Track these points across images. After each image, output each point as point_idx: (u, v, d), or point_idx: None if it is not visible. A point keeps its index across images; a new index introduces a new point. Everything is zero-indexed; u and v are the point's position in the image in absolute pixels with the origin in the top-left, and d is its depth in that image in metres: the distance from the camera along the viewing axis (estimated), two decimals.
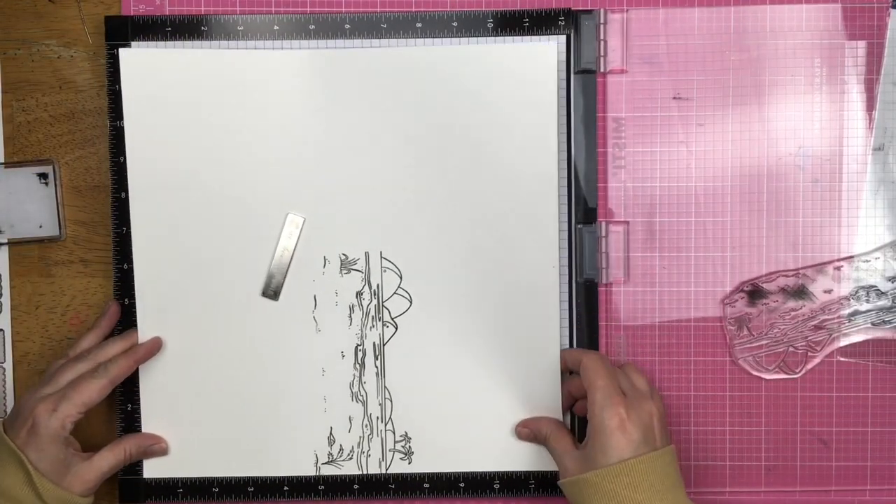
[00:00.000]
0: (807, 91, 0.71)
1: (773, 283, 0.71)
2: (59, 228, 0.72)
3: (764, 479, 0.72)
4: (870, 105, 0.71)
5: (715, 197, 0.71)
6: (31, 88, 0.72)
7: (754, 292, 0.71)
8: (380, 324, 0.71)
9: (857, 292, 0.71)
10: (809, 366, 0.71)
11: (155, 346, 0.70)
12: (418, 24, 0.70)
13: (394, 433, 0.71)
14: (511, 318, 0.71)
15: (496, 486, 0.71)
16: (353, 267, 0.71)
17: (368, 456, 0.72)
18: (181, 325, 0.71)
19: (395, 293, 0.71)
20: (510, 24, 0.70)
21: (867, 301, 0.71)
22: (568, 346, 0.71)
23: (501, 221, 0.70)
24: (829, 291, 0.71)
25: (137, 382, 0.71)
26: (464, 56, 0.70)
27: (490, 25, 0.70)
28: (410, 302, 0.71)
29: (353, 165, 0.71)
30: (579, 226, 0.71)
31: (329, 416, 0.71)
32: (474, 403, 0.71)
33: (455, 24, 0.70)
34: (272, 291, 0.71)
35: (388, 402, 0.71)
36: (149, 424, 0.71)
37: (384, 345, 0.71)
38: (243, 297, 0.71)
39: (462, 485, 0.71)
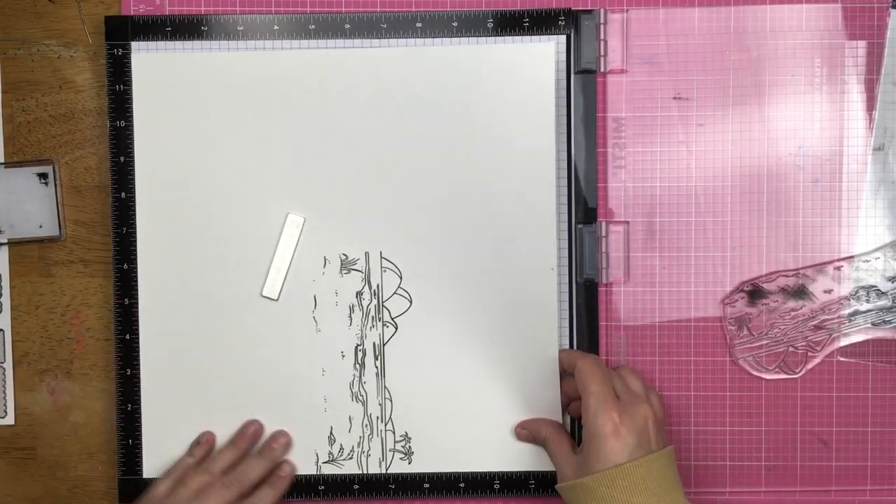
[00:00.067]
0: (807, 91, 0.71)
1: (773, 283, 0.71)
2: (59, 228, 0.72)
3: (764, 479, 0.72)
4: (870, 105, 0.71)
5: (715, 197, 0.71)
6: (31, 88, 0.72)
7: (754, 292, 0.71)
8: (380, 324, 0.71)
9: (857, 292, 0.71)
10: (809, 366, 0.71)
11: (293, 473, 0.70)
12: (418, 24, 0.70)
13: (394, 433, 0.71)
14: (511, 318, 0.71)
15: (496, 486, 0.71)
16: (353, 267, 0.71)
17: (368, 456, 0.72)
18: (181, 325, 0.71)
19: (395, 293, 0.71)
20: (510, 24, 0.70)
21: (867, 301, 0.71)
22: (568, 347, 0.71)
23: (501, 222, 0.70)
24: (829, 291, 0.71)
25: (138, 382, 0.71)
26: (463, 56, 0.70)
27: (490, 25, 0.70)
28: (410, 302, 0.71)
29: (354, 166, 0.71)
30: (579, 226, 0.71)
31: (329, 416, 0.71)
32: (474, 403, 0.71)
33: (455, 24, 0.70)
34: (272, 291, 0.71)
35: (388, 402, 0.71)
36: (149, 424, 0.71)
37: (384, 345, 0.71)
38: (243, 297, 0.71)
39: (462, 485, 0.71)
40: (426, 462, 0.71)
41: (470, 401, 0.71)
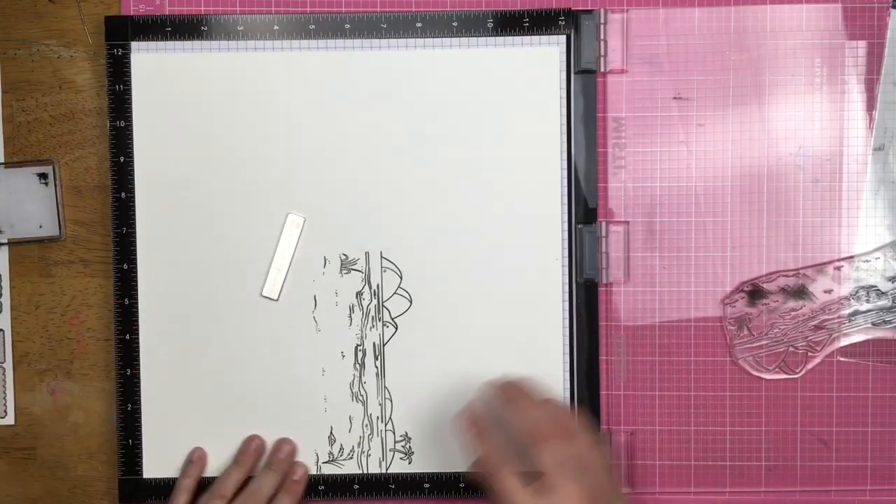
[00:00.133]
0: (807, 91, 0.71)
1: (773, 283, 0.71)
2: (59, 228, 0.72)
3: (764, 479, 0.72)
4: (870, 105, 0.71)
5: (715, 197, 0.71)
6: (31, 88, 0.72)
7: (754, 292, 0.71)
8: (380, 324, 0.71)
9: (857, 292, 0.71)
10: (809, 366, 0.71)
11: (306, 474, 0.70)
12: (418, 24, 0.70)
13: (394, 433, 0.71)
14: (512, 318, 0.71)
15: None
16: (353, 267, 0.71)
17: (368, 456, 0.72)
18: (181, 325, 0.71)
19: (395, 293, 0.71)
20: (510, 24, 0.70)
21: (867, 301, 0.71)
22: (569, 347, 0.71)
23: (502, 222, 0.70)
24: (829, 291, 0.71)
25: (138, 382, 0.71)
26: (466, 58, 0.70)
27: (490, 25, 0.70)
28: (410, 302, 0.71)
29: (354, 166, 0.71)
30: (579, 226, 0.71)
31: (329, 416, 0.71)
32: None
33: (455, 24, 0.70)
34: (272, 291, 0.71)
35: (388, 402, 0.71)
36: (149, 424, 0.71)
37: (384, 345, 0.71)
38: (243, 297, 0.71)
39: (462, 485, 0.71)
40: (426, 462, 0.71)
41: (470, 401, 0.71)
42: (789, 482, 0.72)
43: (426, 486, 0.71)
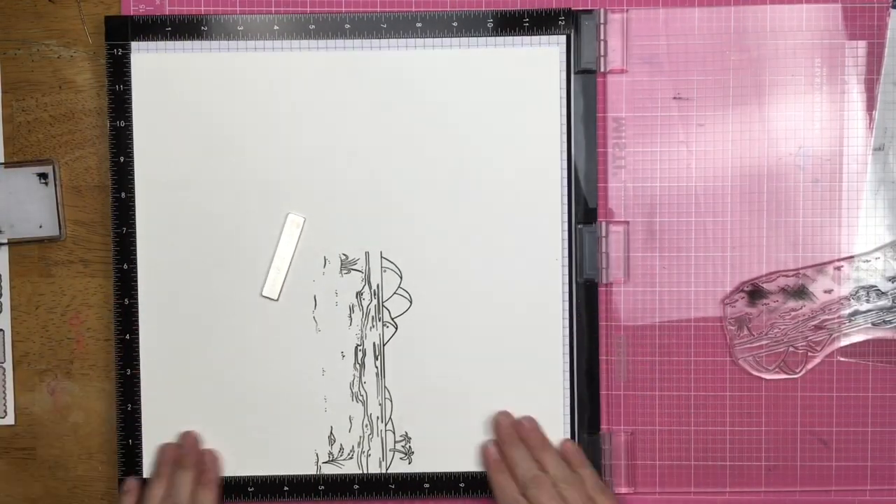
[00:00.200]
0: (807, 91, 0.71)
1: (773, 283, 0.71)
2: (59, 228, 0.72)
3: (764, 479, 0.72)
4: (870, 105, 0.71)
5: (715, 197, 0.71)
6: (31, 88, 0.72)
7: (754, 292, 0.71)
8: (380, 324, 0.71)
9: (857, 292, 0.71)
10: (809, 366, 0.71)
11: (216, 459, 0.70)
12: (418, 24, 0.70)
13: (394, 433, 0.71)
14: (512, 318, 0.71)
15: None
16: (353, 267, 0.71)
17: (368, 456, 0.72)
18: (181, 325, 0.71)
19: (395, 293, 0.71)
20: (510, 24, 0.70)
21: (867, 301, 0.71)
22: (569, 347, 0.71)
23: (502, 222, 0.70)
24: (829, 291, 0.71)
25: (138, 382, 0.71)
26: (466, 58, 0.70)
27: (490, 25, 0.70)
28: (410, 302, 0.71)
29: (354, 165, 0.71)
30: (579, 226, 0.71)
31: (329, 416, 0.71)
32: (474, 404, 0.71)
33: (455, 24, 0.70)
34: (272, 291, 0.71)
35: (388, 402, 0.71)
36: (149, 424, 0.71)
37: (384, 345, 0.71)
38: (243, 297, 0.71)
39: (462, 485, 0.71)
40: (426, 462, 0.71)
41: (470, 401, 0.71)
42: (789, 482, 0.72)
43: (426, 486, 0.71)
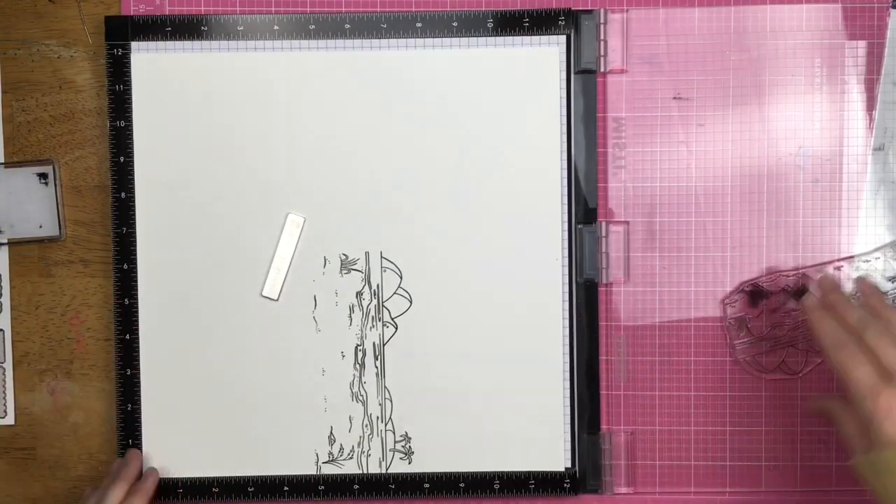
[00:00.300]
0: (807, 91, 0.71)
1: (774, 283, 0.71)
2: (59, 228, 0.72)
3: (764, 479, 0.72)
4: (870, 105, 0.71)
5: (715, 197, 0.71)
6: (31, 88, 0.72)
7: (754, 292, 0.71)
8: (380, 324, 0.71)
9: (857, 292, 0.71)
10: (809, 366, 0.71)
11: (156, 477, 0.70)
12: (418, 24, 0.70)
13: (394, 433, 0.71)
14: (512, 317, 0.71)
15: (496, 486, 0.71)
16: (353, 267, 0.71)
17: (368, 456, 0.72)
18: (181, 325, 0.71)
19: (395, 293, 0.71)
20: (510, 24, 0.70)
21: None
22: (569, 347, 0.71)
23: (502, 222, 0.71)
24: None
25: (138, 382, 0.71)
26: (466, 58, 0.70)
27: (490, 25, 0.70)
28: (410, 302, 0.71)
29: (354, 166, 0.71)
30: (579, 226, 0.71)
31: (329, 416, 0.71)
32: (474, 403, 0.71)
33: (455, 24, 0.70)
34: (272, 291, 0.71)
35: (388, 402, 0.71)
36: (149, 424, 0.71)
37: (384, 345, 0.71)
38: (243, 296, 0.71)
39: (462, 485, 0.71)
40: (426, 462, 0.71)
41: (470, 401, 0.71)
42: (789, 482, 0.72)
43: (426, 486, 0.71)
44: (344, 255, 0.71)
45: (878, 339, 0.59)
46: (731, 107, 0.71)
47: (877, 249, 0.71)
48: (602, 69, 0.71)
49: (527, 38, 0.70)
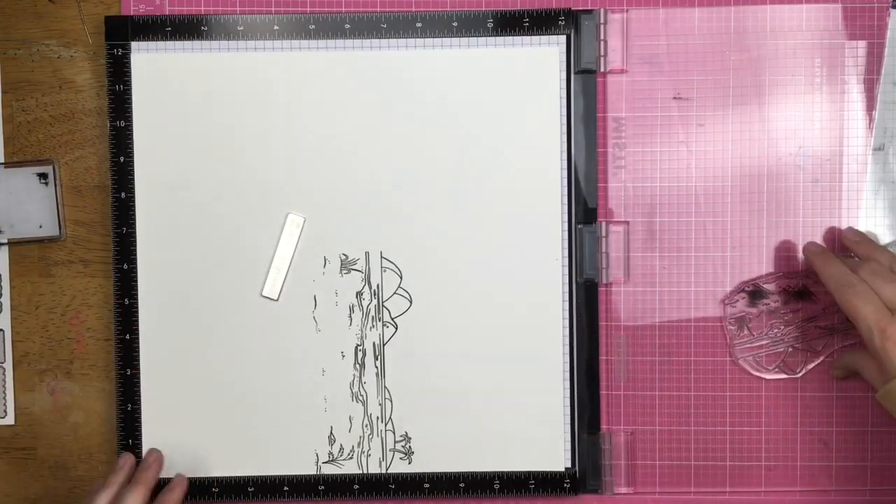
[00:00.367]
0: (807, 91, 0.71)
1: (774, 283, 0.71)
2: (59, 228, 0.72)
3: (764, 479, 0.72)
4: (870, 105, 0.71)
5: (715, 197, 0.71)
6: (31, 88, 0.72)
7: (754, 292, 0.71)
8: (380, 324, 0.71)
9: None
10: (809, 366, 0.71)
11: (185, 486, 0.69)
12: (418, 24, 0.70)
13: (394, 433, 0.71)
14: (512, 317, 0.71)
15: (496, 486, 0.71)
16: (353, 267, 0.71)
17: (368, 456, 0.72)
18: (181, 325, 0.71)
19: (395, 293, 0.71)
20: (510, 24, 0.70)
21: None
22: (569, 347, 0.71)
23: (502, 222, 0.71)
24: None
25: (138, 382, 0.71)
26: (466, 58, 0.70)
27: (490, 25, 0.70)
28: (410, 302, 0.71)
29: (354, 166, 0.71)
30: (579, 226, 0.71)
31: (329, 416, 0.71)
32: (474, 403, 0.71)
33: (455, 24, 0.70)
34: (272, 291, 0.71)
35: (388, 402, 0.71)
36: (149, 424, 0.71)
37: (384, 345, 0.71)
38: (243, 297, 0.71)
39: (462, 485, 0.71)
40: (426, 462, 0.71)
41: (470, 401, 0.71)
42: (789, 482, 0.72)
43: (426, 486, 0.71)
44: (344, 255, 0.71)
45: (872, 278, 0.63)
46: (731, 107, 0.71)
47: None
48: (602, 69, 0.71)
49: (527, 38, 0.70)
